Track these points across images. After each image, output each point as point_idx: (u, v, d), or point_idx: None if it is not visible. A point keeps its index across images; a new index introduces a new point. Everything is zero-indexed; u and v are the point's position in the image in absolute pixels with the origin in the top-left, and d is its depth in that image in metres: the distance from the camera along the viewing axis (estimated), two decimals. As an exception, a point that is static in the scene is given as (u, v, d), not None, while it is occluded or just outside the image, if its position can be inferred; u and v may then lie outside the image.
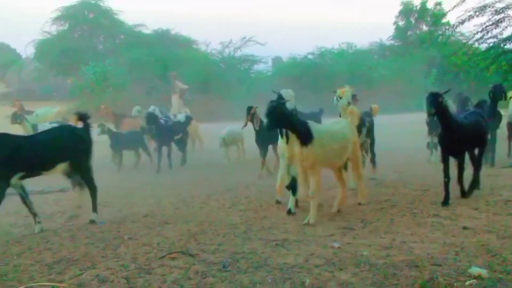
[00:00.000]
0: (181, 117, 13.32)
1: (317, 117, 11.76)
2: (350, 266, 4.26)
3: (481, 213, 6.06)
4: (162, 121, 12.51)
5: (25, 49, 52.61)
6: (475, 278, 3.84)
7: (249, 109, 9.43)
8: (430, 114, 6.38)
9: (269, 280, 4.01)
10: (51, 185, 9.14)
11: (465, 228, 5.34)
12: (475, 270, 3.96)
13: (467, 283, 3.77)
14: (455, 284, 3.77)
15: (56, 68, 35.20)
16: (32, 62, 39.01)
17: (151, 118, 11.72)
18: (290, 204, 6.64)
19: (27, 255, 4.97)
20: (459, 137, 6.59)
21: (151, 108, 13.21)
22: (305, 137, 5.86)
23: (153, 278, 4.16)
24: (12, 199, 8.03)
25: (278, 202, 7.21)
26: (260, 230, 5.63)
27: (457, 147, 6.64)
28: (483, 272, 3.93)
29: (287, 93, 6.83)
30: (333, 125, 6.73)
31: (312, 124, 6.09)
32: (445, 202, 6.52)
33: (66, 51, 34.39)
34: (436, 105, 6.26)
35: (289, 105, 6.35)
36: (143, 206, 7.31)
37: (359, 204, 6.78)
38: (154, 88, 31.26)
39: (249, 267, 4.35)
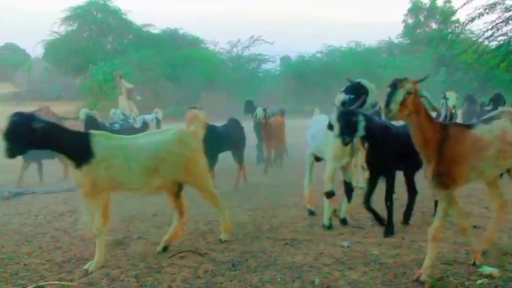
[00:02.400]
0: (138, 122, 11.64)
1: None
2: (360, 265, 4.26)
3: (491, 212, 6.01)
4: (117, 125, 11.12)
5: (34, 49, 52.92)
6: (486, 277, 3.84)
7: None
8: (345, 144, 4.97)
9: (279, 279, 4.01)
10: (61, 185, 9.20)
11: (475, 227, 5.31)
12: (486, 269, 3.95)
13: (478, 282, 3.76)
14: (466, 283, 3.76)
15: (65, 68, 35.43)
16: (41, 62, 39.25)
17: (89, 122, 9.92)
18: (325, 217, 5.76)
19: (37, 254, 5.00)
20: (389, 151, 5.35)
21: (112, 112, 12.51)
22: (77, 158, 4.42)
23: (162, 277, 4.17)
24: (21, 198, 8.14)
25: (312, 213, 6.29)
26: (269, 230, 5.64)
27: (387, 164, 5.42)
28: (494, 271, 3.92)
29: (368, 85, 5.64)
30: (146, 136, 5.04)
31: (102, 137, 4.57)
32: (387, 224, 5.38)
33: (74, 51, 34.64)
34: (349, 129, 4.93)
35: (370, 100, 5.45)
36: (151, 206, 7.33)
37: (220, 240, 5.21)
38: (162, 87, 31.41)
39: (258, 266, 4.36)
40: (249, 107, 11.67)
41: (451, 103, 9.02)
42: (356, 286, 3.78)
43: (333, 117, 5.06)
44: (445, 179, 3.81)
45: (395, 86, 3.69)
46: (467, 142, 3.89)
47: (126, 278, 4.19)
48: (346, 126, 4.93)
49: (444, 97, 9.11)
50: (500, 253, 4.44)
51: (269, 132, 10.91)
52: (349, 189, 5.90)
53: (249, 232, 5.57)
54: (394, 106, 3.64)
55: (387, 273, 4.04)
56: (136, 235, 5.65)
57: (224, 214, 5.25)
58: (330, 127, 5.20)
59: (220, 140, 8.11)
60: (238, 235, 5.42)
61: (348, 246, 4.84)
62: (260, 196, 7.80)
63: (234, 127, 8.87)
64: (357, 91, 5.53)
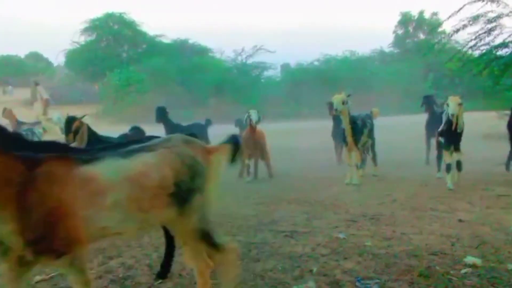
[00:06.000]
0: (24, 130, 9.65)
1: (202, 130, 9.60)
2: (354, 255, 4.25)
3: (476, 207, 6.02)
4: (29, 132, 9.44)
5: (57, 57, 53.14)
6: (470, 267, 3.82)
7: (70, 122, 6.01)
8: None
9: (280, 268, 4.01)
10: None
11: (460, 220, 5.32)
12: (470, 260, 3.94)
13: (463, 271, 3.75)
14: (451, 272, 3.74)
15: (84, 74, 35.65)
16: (62, 69, 39.49)
17: None
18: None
19: (59, 245, 4.99)
20: None
21: (57, 117, 11.13)
22: None
23: (173, 266, 4.17)
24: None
25: None
26: (270, 222, 5.62)
27: None
28: (478, 261, 3.90)
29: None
30: None
31: None
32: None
33: (93, 59, 34.86)
34: None
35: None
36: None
37: None
38: (173, 92, 31.44)
39: (261, 256, 4.35)
40: (161, 114, 9.48)
41: (450, 111, 7.09)
42: (351, 274, 3.78)
43: None
44: (47, 246, 2.34)
45: None
46: (72, 185, 2.43)
47: (140, 266, 4.20)
48: None
49: (446, 103, 7.29)
50: (483, 245, 4.42)
51: (255, 140, 9.07)
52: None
53: (253, 224, 5.56)
54: None
55: (379, 262, 4.03)
56: (149, 227, 5.63)
57: None
58: None
59: None
60: (243, 228, 5.42)
61: (344, 238, 4.82)
62: (263, 192, 7.79)
63: (137, 136, 6.76)
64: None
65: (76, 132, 5.87)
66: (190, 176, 2.71)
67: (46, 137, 9.44)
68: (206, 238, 2.85)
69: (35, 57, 48.96)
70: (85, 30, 36.38)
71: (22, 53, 48.80)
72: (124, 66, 32.49)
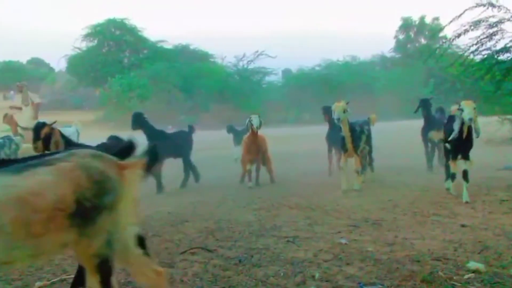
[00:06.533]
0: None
1: (187, 137, 9.56)
2: (356, 261, 4.23)
3: (478, 212, 6.00)
4: None
5: (58, 63, 53.31)
6: (473, 272, 3.80)
7: (38, 128, 5.33)
8: None
9: (282, 274, 3.99)
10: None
11: (463, 226, 5.29)
12: (473, 265, 3.92)
13: (466, 277, 3.73)
14: (454, 277, 3.73)
15: (86, 80, 35.83)
16: (64, 75, 39.64)
17: None
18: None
19: (61, 250, 4.98)
20: None
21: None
22: None
23: (175, 271, 4.16)
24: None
25: None
26: (272, 228, 5.61)
27: None
28: (481, 266, 3.88)
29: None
30: None
31: None
32: None
33: (95, 65, 35.04)
34: None
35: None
36: (165, 205, 7.33)
37: None
38: (174, 98, 31.53)
39: (263, 261, 4.34)
40: (138, 121, 9.07)
41: (467, 115, 6.39)
42: (353, 280, 3.76)
43: None
44: None
45: None
46: None
47: (141, 272, 4.18)
48: None
49: (459, 108, 6.60)
50: (485, 250, 4.41)
51: (256, 145, 9.06)
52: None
53: (254, 230, 5.55)
54: None
55: (382, 268, 4.01)
56: (151, 232, 5.63)
57: None
58: None
59: None
60: (244, 233, 5.41)
61: (346, 243, 4.81)
62: (264, 197, 7.78)
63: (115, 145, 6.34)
64: None
65: (46, 139, 5.33)
66: (97, 193, 2.37)
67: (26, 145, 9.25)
68: (103, 269, 2.46)
69: (37, 62, 49.14)
70: (87, 36, 36.58)
71: (23, 58, 49.01)
72: (125, 72, 32.63)
